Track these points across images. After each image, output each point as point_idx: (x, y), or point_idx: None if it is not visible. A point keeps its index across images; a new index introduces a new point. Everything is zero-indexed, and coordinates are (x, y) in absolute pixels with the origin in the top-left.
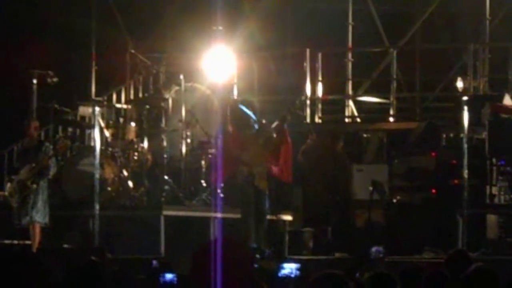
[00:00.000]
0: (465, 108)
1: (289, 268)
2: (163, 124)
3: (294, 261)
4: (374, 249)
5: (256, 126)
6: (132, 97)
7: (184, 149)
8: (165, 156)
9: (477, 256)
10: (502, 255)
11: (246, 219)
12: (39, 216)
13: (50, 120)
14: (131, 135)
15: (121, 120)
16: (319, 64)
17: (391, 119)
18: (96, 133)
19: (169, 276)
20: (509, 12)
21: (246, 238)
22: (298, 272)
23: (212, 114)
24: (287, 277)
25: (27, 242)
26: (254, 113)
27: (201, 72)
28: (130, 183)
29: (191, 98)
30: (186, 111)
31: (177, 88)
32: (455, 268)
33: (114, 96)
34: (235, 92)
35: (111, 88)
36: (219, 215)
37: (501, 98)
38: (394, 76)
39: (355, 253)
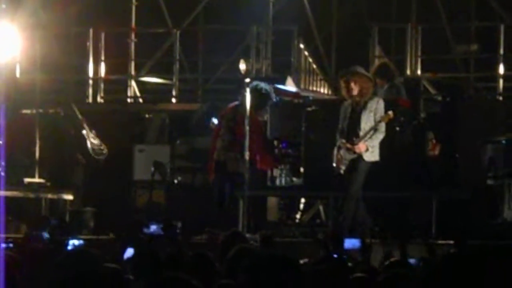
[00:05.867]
0: (247, 90)
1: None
2: None
3: (78, 238)
4: (151, 228)
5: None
6: None
7: None
8: None
9: (257, 238)
10: (282, 237)
11: None
12: None
13: None
14: None
15: None
16: (102, 44)
17: (174, 100)
18: None
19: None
20: None
21: None
22: None
23: None
24: None
25: None
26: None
27: None
28: None
29: None
30: None
31: None
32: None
33: None
34: (18, 70)
35: None
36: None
37: (283, 80)
38: (177, 57)
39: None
